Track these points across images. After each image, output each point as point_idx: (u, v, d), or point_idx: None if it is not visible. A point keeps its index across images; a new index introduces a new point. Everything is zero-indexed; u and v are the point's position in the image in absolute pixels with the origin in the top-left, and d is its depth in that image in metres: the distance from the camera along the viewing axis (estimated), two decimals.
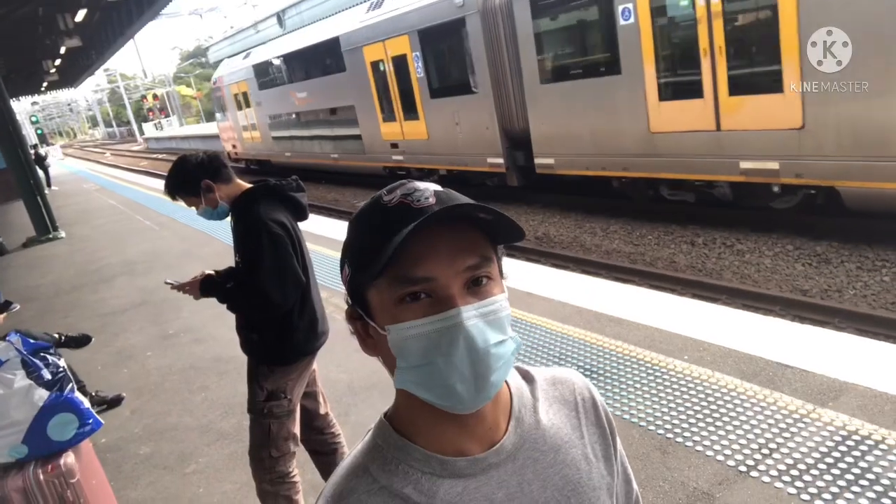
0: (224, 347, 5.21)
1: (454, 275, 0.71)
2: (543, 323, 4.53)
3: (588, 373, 3.77)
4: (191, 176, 2.45)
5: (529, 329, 4.48)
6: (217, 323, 5.56)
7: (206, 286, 2.50)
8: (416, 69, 12.00)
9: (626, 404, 3.39)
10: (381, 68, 13.01)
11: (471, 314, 0.70)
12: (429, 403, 0.74)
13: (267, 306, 2.38)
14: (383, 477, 0.77)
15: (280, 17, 32.96)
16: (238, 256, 2.44)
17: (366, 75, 13.55)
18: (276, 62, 18.01)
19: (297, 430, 2.59)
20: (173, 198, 2.54)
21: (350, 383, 3.83)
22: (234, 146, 23.21)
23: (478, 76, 10.75)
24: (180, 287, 2.54)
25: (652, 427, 3.16)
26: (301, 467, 2.70)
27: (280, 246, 2.35)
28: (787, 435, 2.92)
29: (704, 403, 3.27)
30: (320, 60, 15.67)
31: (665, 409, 3.28)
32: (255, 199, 2.45)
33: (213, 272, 2.57)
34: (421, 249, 0.70)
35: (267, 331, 2.47)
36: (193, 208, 2.53)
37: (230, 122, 22.84)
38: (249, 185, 2.53)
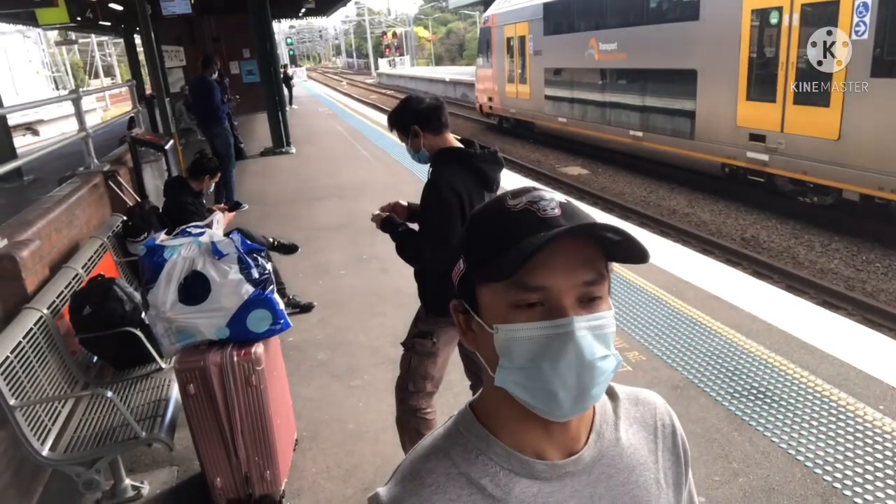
0: (405, 282, 5.48)
1: (570, 287, 0.71)
2: (725, 332, 4.26)
3: (759, 396, 3.51)
4: (406, 117, 2.62)
5: (707, 336, 4.24)
6: None
7: (386, 224, 2.69)
8: (855, 25, 7.82)
9: (794, 439, 3.12)
10: (772, 21, 9.30)
11: (582, 325, 0.71)
12: (520, 403, 0.75)
13: (419, 260, 2.59)
14: (462, 464, 0.78)
15: None
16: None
17: (735, 28, 9.93)
18: (581, 1, 14.73)
19: (436, 373, 2.72)
20: (391, 129, 2.75)
21: None
22: (489, 98, 19.83)
23: None
24: (375, 218, 2.75)
25: (818, 471, 2.88)
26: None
27: (444, 212, 2.46)
28: None
29: (890, 462, 2.91)
30: (654, 3, 12.53)
31: (839, 457, 2.97)
32: (445, 160, 2.56)
33: (404, 204, 2.75)
34: (542, 259, 0.70)
35: (429, 280, 2.66)
36: (404, 145, 2.73)
37: (493, 71, 19.16)
38: (454, 144, 2.61)
